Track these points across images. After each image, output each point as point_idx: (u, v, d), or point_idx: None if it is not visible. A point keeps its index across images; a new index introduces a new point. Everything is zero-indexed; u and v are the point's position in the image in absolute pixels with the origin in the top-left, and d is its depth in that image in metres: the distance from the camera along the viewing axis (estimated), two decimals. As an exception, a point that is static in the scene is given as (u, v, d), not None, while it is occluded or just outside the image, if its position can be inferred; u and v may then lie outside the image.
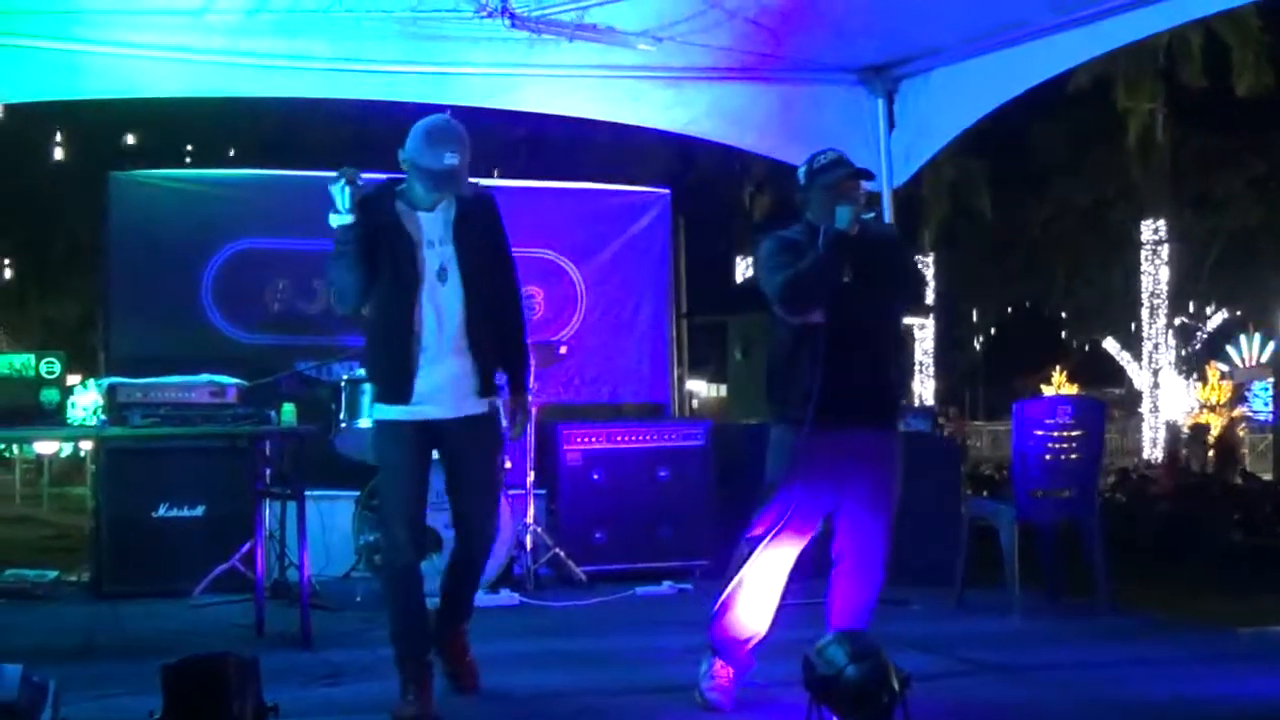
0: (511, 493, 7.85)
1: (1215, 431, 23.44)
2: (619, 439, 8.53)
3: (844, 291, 5.10)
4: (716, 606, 5.27)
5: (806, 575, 5.37)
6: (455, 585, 5.35)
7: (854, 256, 5.12)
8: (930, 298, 33.77)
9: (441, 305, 5.00)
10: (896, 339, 5.51)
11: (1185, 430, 25.14)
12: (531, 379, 8.23)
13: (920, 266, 5.76)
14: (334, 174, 4.88)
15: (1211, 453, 20.76)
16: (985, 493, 11.82)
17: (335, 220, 4.89)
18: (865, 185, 5.44)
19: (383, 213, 4.98)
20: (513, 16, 7.04)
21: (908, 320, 28.09)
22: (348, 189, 4.85)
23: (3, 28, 7.19)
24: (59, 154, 25.55)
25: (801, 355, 5.14)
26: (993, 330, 41.04)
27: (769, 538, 5.17)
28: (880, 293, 5.22)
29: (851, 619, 5.20)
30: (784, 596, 5.31)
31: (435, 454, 5.18)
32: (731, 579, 5.24)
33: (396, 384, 5.00)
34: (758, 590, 5.21)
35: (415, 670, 4.99)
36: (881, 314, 5.29)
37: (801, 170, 5.38)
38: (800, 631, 5.32)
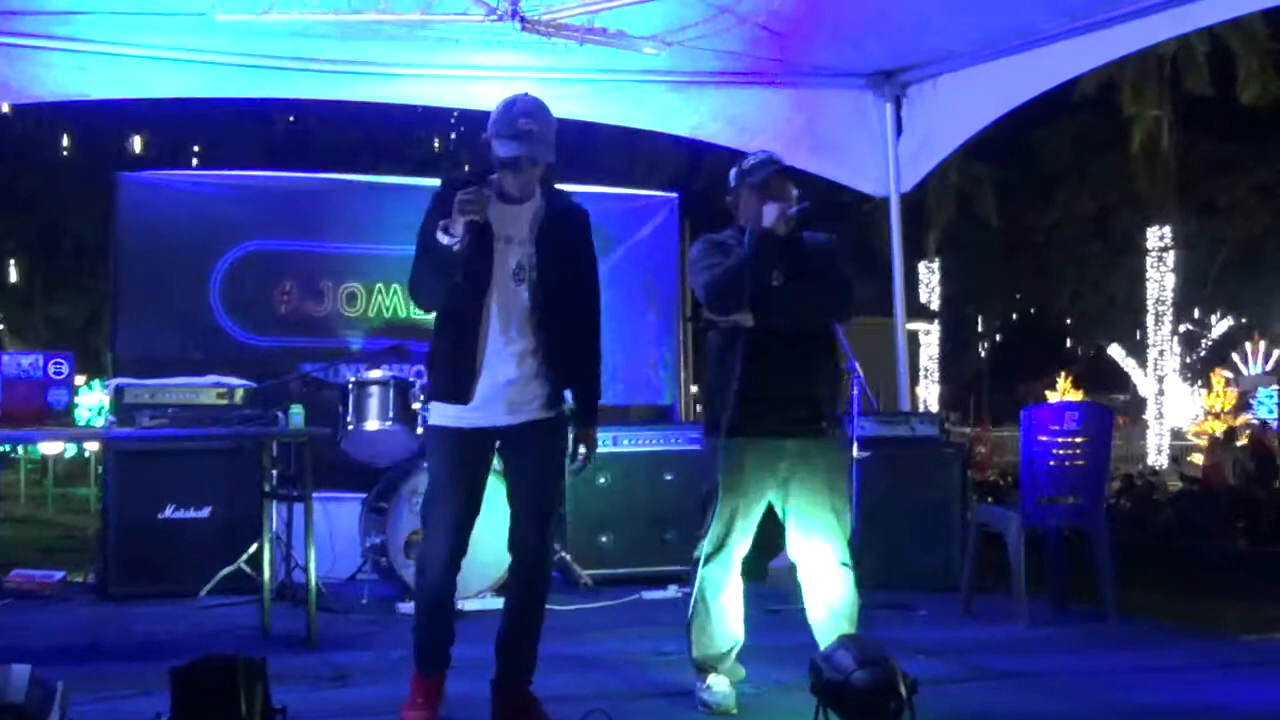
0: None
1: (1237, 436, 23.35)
2: (625, 442, 8.51)
3: (774, 296, 5.06)
4: (690, 631, 5.30)
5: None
6: (510, 619, 5.02)
7: (786, 261, 5.09)
8: (935, 303, 33.82)
9: (510, 305, 4.75)
10: (828, 346, 5.37)
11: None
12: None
13: (851, 276, 5.60)
14: (464, 195, 4.53)
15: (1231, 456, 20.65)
16: (990, 498, 11.82)
17: (445, 241, 4.56)
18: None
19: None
20: (523, 20, 7.05)
21: (912, 326, 28.09)
22: (471, 225, 4.55)
23: (11, 29, 7.22)
24: (66, 155, 25.59)
25: (729, 360, 5.10)
26: (998, 336, 41.08)
27: (716, 552, 5.20)
28: (812, 298, 5.17)
29: (833, 619, 5.21)
30: (787, 600, 5.32)
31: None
32: (692, 600, 5.27)
33: (458, 381, 4.74)
34: (720, 603, 5.25)
35: (429, 673, 4.94)
36: (813, 319, 5.23)
37: (732, 173, 5.35)
38: (806, 636, 5.32)
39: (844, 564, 5.25)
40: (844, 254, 5.38)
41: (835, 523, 5.23)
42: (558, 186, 5.09)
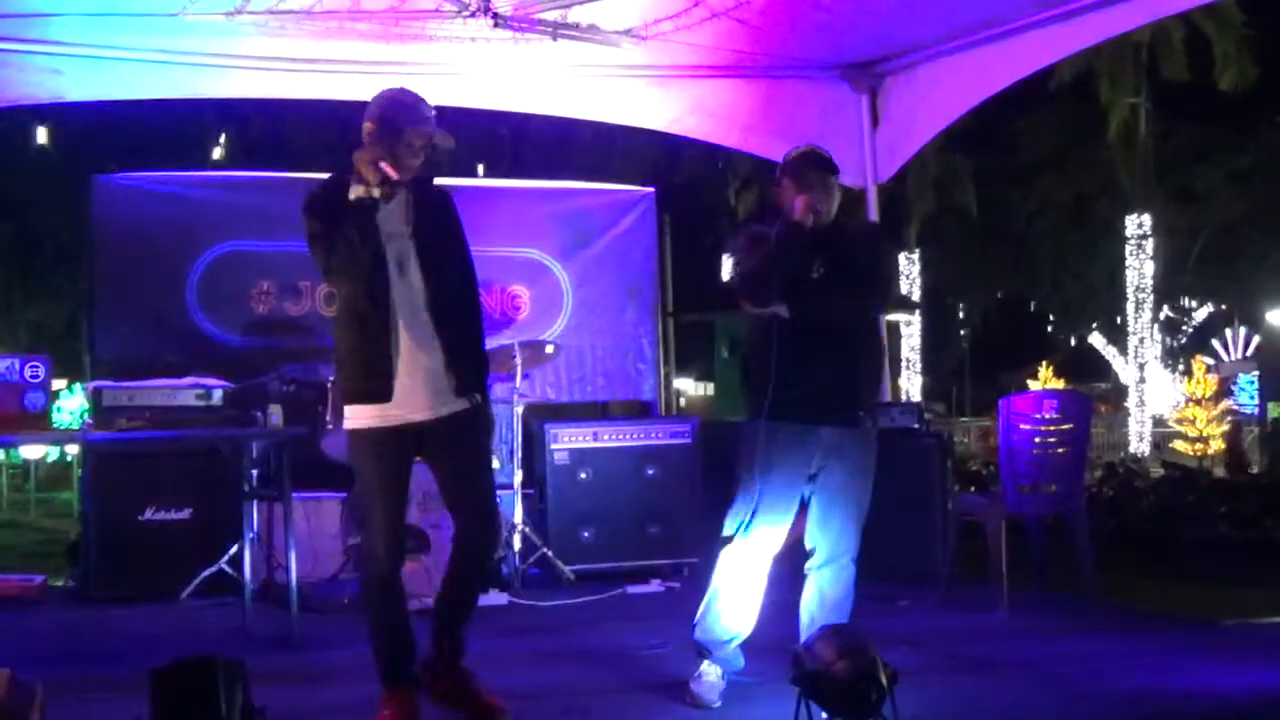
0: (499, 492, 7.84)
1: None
2: (606, 437, 8.51)
3: (812, 286, 5.10)
4: (699, 609, 5.31)
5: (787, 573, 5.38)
6: (449, 605, 4.93)
7: (829, 252, 5.12)
8: (916, 294, 33.85)
9: (407, 299, 4.76)
10: (869, 337, 5.43)
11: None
12: (519, 380, 8.26)
13: (892, 267, 5.72)
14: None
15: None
16: (972, 488, 11.84)
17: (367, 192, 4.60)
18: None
19: (341, 201, 4.66)
20: (496, 16, 7.03)
21: (893, 317, 28.14)
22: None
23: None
24: (44, 158, 25.47)
25: (768, 349, 5.13)
26: (979, 326, 41.11)
27: (741, 535, 5.21)
28: (850, 290, 5.20)
29: (830, 614, 5.22)
30: (772, 593, 5.33)
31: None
32: (711, 581, 5.28)
33: (376, 381, 4.74)
34: (737, 590, 5.25)
35: (397, 682, 4.81)
36: (851, 311, 5.27)
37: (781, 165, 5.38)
38: (789, 628, 5.33)
39: (852, 560, 5.29)
40: (886, 241, 5.42)
41: (853, 518, 5.27)
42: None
